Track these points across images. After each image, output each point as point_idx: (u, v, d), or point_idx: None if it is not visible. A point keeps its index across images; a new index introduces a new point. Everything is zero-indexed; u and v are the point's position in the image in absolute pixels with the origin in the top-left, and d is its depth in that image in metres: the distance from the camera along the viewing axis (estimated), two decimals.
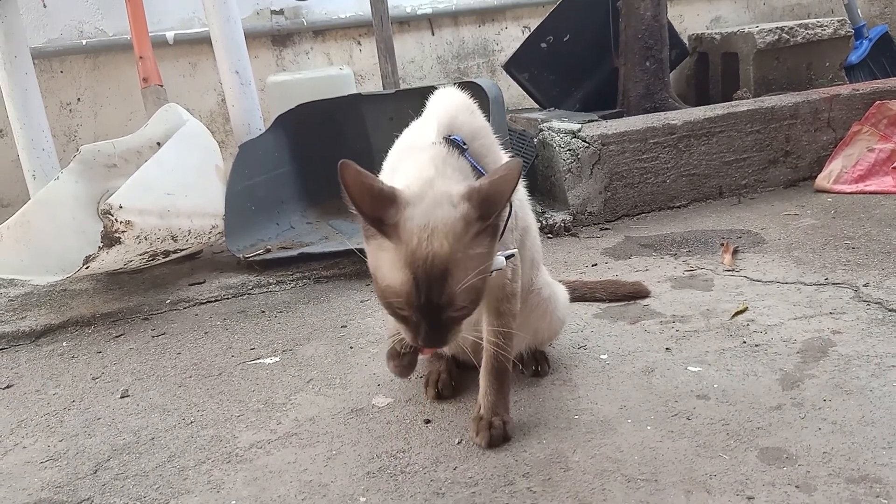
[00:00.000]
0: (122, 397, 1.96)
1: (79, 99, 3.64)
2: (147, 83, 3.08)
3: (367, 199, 1.25)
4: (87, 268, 2.47)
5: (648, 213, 2.99)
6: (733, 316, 1.99)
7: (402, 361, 1.58)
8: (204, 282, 2.75)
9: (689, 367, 1.74)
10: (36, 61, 3.37)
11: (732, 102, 3.21)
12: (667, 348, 1.85)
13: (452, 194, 1.28)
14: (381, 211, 1.25)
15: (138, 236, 2.48)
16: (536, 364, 1.78)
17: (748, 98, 3.43)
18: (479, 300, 1.31)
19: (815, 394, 1.56)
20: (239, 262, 2.82)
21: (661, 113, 3.14)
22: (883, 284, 2.06)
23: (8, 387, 2.12)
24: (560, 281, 2.20)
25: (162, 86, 3.11)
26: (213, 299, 2.61)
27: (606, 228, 2.90)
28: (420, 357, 1.83)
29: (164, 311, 2.56)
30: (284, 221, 3.14)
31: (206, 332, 2.34)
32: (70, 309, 2.62)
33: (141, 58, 3.10)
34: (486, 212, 1.26)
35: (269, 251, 2.84)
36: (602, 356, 1.85)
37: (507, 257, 1.44)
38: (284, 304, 2.51)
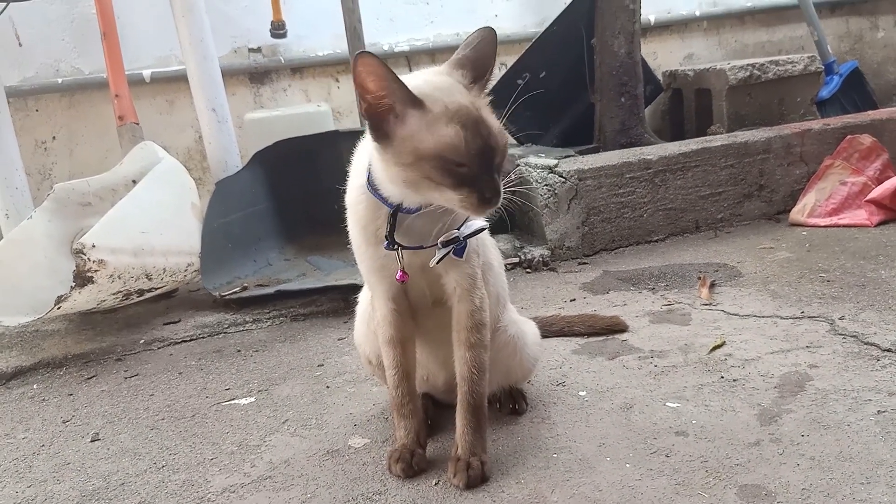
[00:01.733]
0: (92, 441, 1.92)
1: (54, 137, 3.61)
2: (123, 121, 3.07)
3: (393, 79, 1.26)
4: (58, 308, 2.43)
5: (626, 247, 3.00)
6: (711, 350, 1.99)
7: (415, 460, 1.54)
8: (179, 321, 2.71)
9: (667, 403, 1.73)
10: (11, 100, 3.35)
11: (706, 137, 3.25)
12: (645, 384, 1.84)
13: (439, 69, 1.39)
14: (404, 89, 1.28)
15: (111, 275, 2.45)
16: (514, 402, 1.76)
17: (722, 133, 3.47)
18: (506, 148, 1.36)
19: (793, 429, 1.55)
20: (215, 301, 2.79)
21: (637, 148, 3.17)
22: (858, 317, 2.07)
23: None
24: (536, 317, 2.20)
25: (138, 124, 3.09)
26: (188, 339, 2.58)
27: (584, 263, 2.90)
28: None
29: (138, 351, 2.52)
30: (262, 258, 3.12)
31: (180, 373, 2.30)
32: (41, 350, 2.57)
33: (117, 96, 3.08)
34: (480, 72, 1.36)
35: (245, 289, 2.82)
36: (581, 393, 1.84)
37: (480, 230, 1.47)
38: (260, 342, 2.48)
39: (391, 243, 1.42)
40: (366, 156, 1.43)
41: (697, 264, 2.72)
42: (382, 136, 1.30)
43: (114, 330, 2.69)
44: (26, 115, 3.57)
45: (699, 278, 2.51)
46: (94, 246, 2.39)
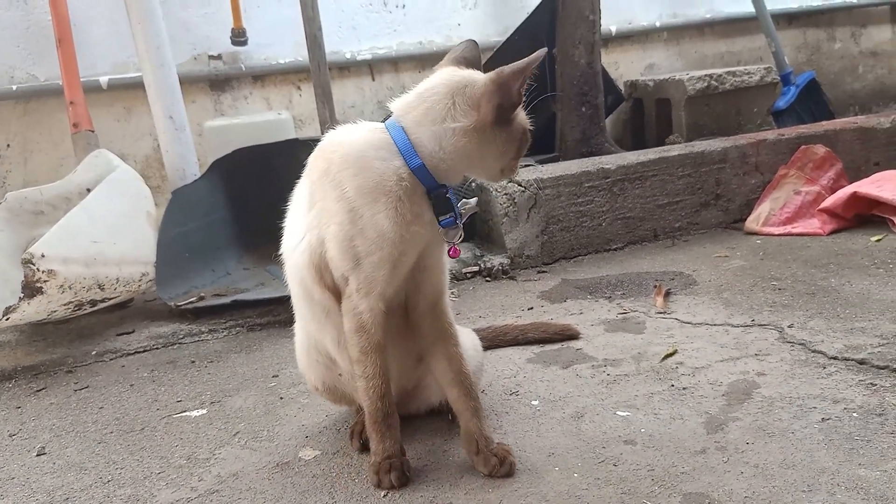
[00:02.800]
0: (38, 455, 1.88)
1: (8, 145, 3.54)
2: (77, 129, 3.02)
3: None
4: (6, 319, 2.38)
5: (585, 255, 3.02)
6: (663, 359, 2.01)
7: (406, 467, 1.54)
8: (133, 331, 2.67)
9: (618, 412, 1.74)
10: None
11: (664, 147, 3.29)
12: (597, 393, 1.85)
13: (452, 66, 1.58)
14: None
15: (62, 286, 2.41)
16: None
17: (680, 143, 3.51)
18: None
19: (739, 437, 1.57)
20: (171, 311, 2.75)
21: (596, 157, 3.20)
22: (807, 325, 2.10)
23: None
24: (490, 326, 2.21)
25: (93, 131, 3.05)
26: (141, 349, 2.54)
27: (544, 271, 2.91)
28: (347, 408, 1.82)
29: (90, 363, 2.48)
30: (220, 268, 3.08)
31: (131, 385, 2.26)
32: None
33: (72, 103, 3.04)
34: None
35: (202, 298, 2.78)
36: (533, 402, 1.84)
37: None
38: (216, 353, 2.45)
39: (457, 216, 1.51)
40: (395, 143, 1.49)
41: (654, 273, 2.74)
42: (507, 120, 1.48)
43: (65, 341, 2.64)
44: None
45: (655, 287, 2.53)
46: (43, 256, 2.35)
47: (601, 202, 3.01)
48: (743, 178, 3.20)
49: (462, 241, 2.94)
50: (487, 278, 2.88)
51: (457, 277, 2.89)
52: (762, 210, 3.10)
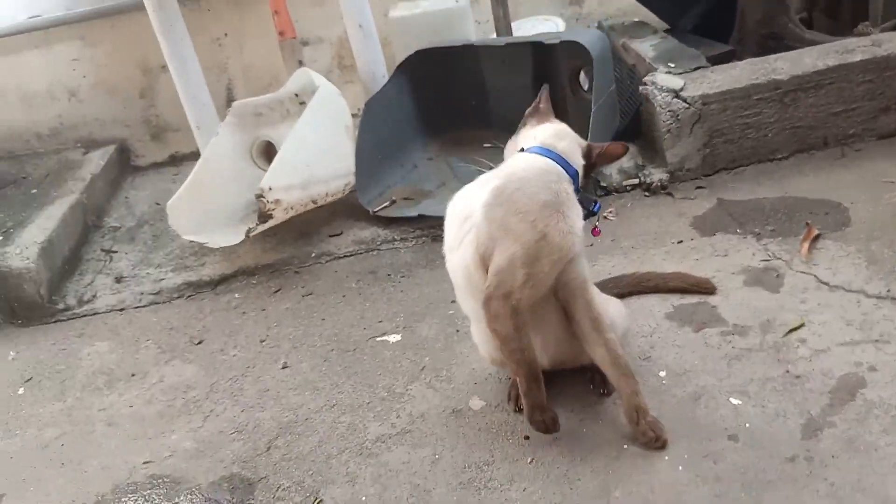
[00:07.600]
0: (283, 368, 2.49)
1: (226, 34, 3.99)
2: (283, 37, 3.40)
3: None
4: (249, 236, 2.97)
5: (747, 166, 3.06)
6: (787, 332, 2.15)
7: (547, 416, 1.94)
8: (341, 233, 3.18)
9: (731, 399, 1.96)
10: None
11: (846, 47, 3.08)
12: (718, 370, 2.06)
13: None
14: None
15: (286, 209, 2.95)
16: (604, 386, 2.09)
17: (873, 34, 3.26)
18: None
19: (828, 447, 1.75)
20: (368, 213, 3.23)
21: (769, 64, 3.08)
22: None
23: (200, 342, 2.74)
24: (634, 274, 2.49)
25: (296, 38, 3.40)
26: (348, 254, 3.07)
27: (701, 186, 3.01)
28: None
29: (310, 264, 3.06)
30: (408, 161, 3.48)
31: (343, 296, 2.81)
32: (238, 258, 3.15)
33: (276, 12, 3.38)
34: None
35: (393, 202, 3.23)
36: (661, 373, 2.10)
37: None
38: (406, 266, 2.92)
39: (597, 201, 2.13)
40: (555, 162, 1.99)
41: (811, 200, 2.75)
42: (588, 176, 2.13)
43: (291, 240, 3.19)
44: (199, 16, 3.91)
45: (806, 225, 2.60)
46: (270, 188, 2.86)
47: (770, 113, 3.01)
48: None
49: (627, 144, 3.11)
50: (646, 193, 3.06)
51: (617, 190, 3.11)
52: None
